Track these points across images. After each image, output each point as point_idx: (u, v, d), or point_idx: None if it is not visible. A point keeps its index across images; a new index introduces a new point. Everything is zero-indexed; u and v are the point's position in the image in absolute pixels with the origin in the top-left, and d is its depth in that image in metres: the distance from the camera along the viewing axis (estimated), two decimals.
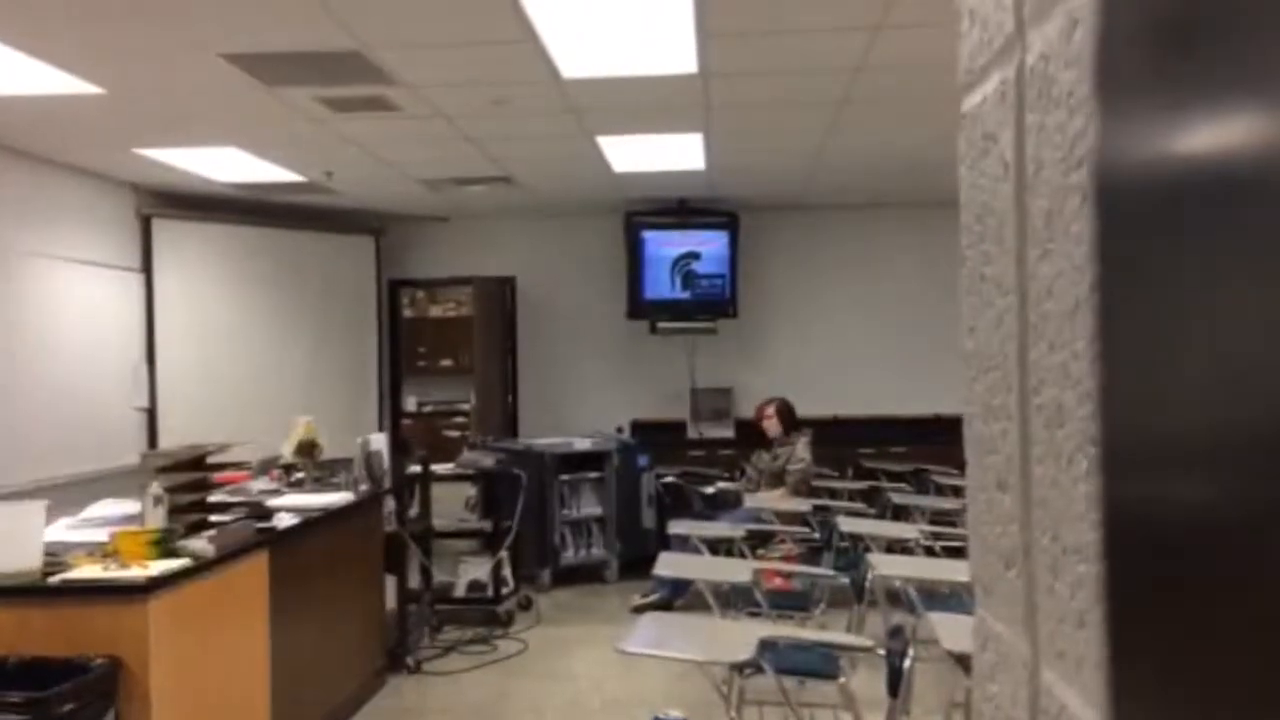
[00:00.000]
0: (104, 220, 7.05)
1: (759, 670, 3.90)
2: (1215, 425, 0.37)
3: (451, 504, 7.06)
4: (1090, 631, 0.47)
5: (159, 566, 3.53)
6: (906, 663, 3.42)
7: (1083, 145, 0.46)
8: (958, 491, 7.21)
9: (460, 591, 6.67)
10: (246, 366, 7.84)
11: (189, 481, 4.08)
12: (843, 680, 4.00)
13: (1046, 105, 0.50)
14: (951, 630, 3.78)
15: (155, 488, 3.89)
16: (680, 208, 8.44)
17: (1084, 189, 0.46)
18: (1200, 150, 0.36)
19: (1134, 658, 0.43)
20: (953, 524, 6.49)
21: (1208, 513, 0.38)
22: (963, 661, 3.91)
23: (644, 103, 5.40)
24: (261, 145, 6.20)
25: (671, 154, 6.62)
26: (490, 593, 6.65)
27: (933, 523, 6.44)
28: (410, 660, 5.74)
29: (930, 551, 5.77)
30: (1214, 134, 0.35)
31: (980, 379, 0.64)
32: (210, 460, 4.31)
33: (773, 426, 7.26)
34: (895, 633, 3.73)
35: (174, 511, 3.91)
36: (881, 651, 3.65)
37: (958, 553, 5.93)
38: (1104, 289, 0.43)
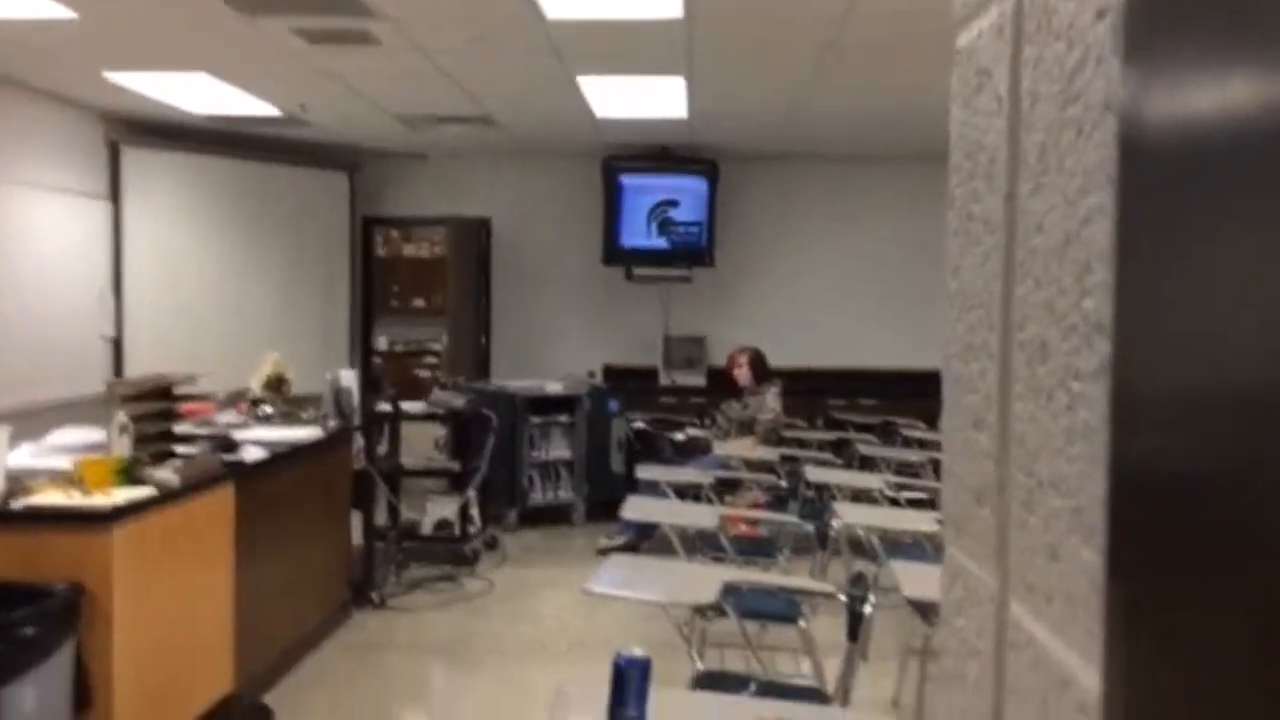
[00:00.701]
0: (72, 147, 6.92)
1: (721, 613, 3.95)
2: (1205, 363, 0.37)
3: (421, 444, 7.05)
4: (1063, 564, 0.48)
5: (123, 495, 3.51)
6: (867, 608, 3.46)
7: (1081, 79, 0.45)
8: (924, 445, 7.29)
9: (427, 530, 6.68)
10: (215, 299, 7.75)
11: (155, 411, 4.04)
12: (803, 625, 4.06)
13: (1046, 38, 0.50)
14: (912, 578, 3.84)
15: (121, 416, 3.86)
16: (660, 153, 8.37)
17: (1081, 123, 0.46)
18: (1229, 95, 0.36)
19: (1109, 591, 0.43)
20: (917, 476, 6.58)
21: (1191, 447, 0.38)
22: (921, 609, 3.98)
23: (627, 46, 5.33)
24: (236, 75, 6.08)
25: (654, 99, 6.55)
26: (457, 532, 6.67)
27: (898, 474, 6.52)
28: (375, 596, 5.77)
29: (894, 503, 5.84)
30: (1245, 78, 0.35)
31: (962, 318, 0.64)
32: (177, 391, 4.27)
33: (743, 375, 7.28)
34: (857, 579, 3.78)
35: (139, 441, 3.88)
36: (843, 597, 3.71)
37: (922, 504, 6.01)
38: (1122, 223, 0.43)
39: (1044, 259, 0.50)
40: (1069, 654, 0.47)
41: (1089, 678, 0.45)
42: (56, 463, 3.79)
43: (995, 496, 0.57)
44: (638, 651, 2.43)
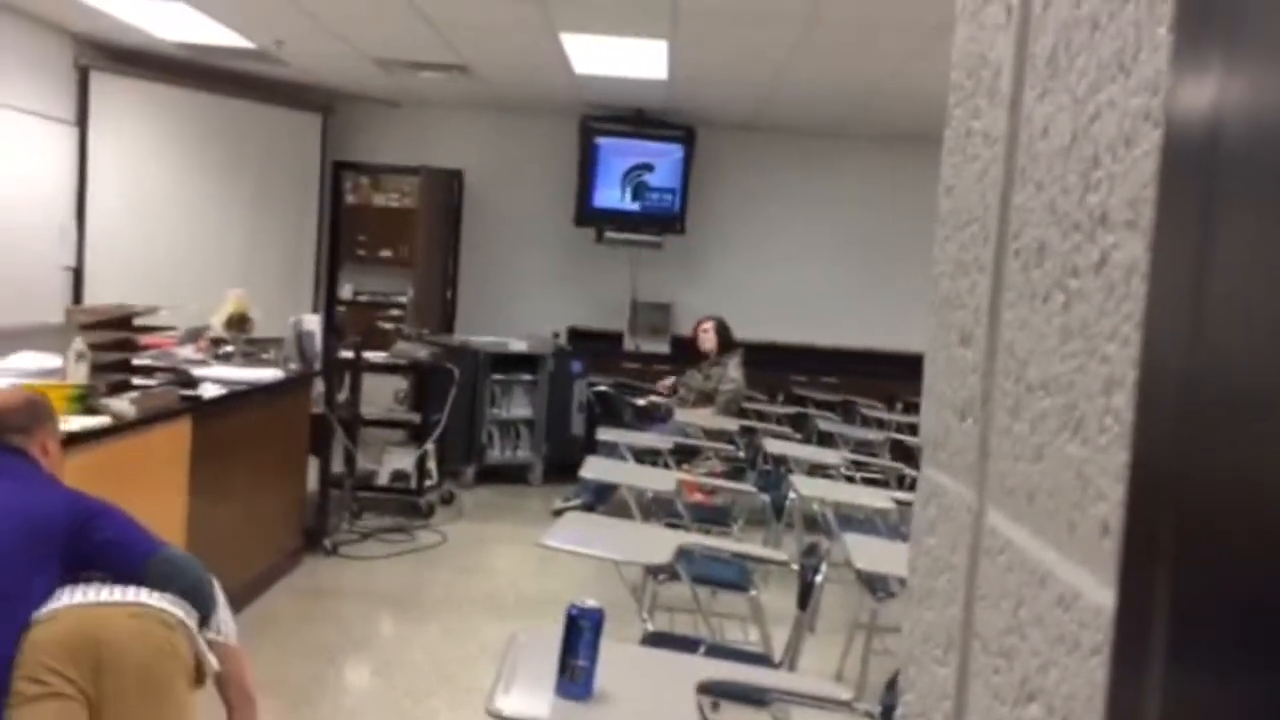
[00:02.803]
0: (39, 68, 6.75)
1: (674, 576, 3.98)
2: (1216, 248, 0.37)
3: (381, 395, 7.02)
4: (1047, 463, 0.48)
5: (78, 422, 3.46)
6: (818, 578, 3.50)
7: None
8: (883, 424, 7.36)
9: (383, 480, 6.66)
10: (180, 234, 7.63)
11: (114, 340, 3.98)
12: (754, 593, 4.10)
13: None
14: (865, 551, 3.89)
15: (79, 343, 3.80)
16: (638, 117, 8.33)
17: (1096, 16, 0.45)
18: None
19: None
20: (875, 455, 6.64)
21: (1186, 342, 0.38)
22: (870, 583, 4.03)
23: (613, 4, 5.28)
24: (210, 3, 5.95)
25: (634, 59, 6.50)
26: (413, 484, 6.66)
27: (856, 452, 6.58)
28: (327, 542, 5.75)
29: (850, 480, 5.89)
30: None
31: (954, 237, 0.64)
32: (137, 322, 4.21)
33: (709, 340, 7.31)
34: (810, 550, 3.82)
35: (97, 369, 3.82)
36: (795, 566, 3.75)
37: (878, 483, 6.08)
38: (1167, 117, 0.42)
39: (1048, 161, 0.50)
40: (1048, 551, 0.47)
41: (1068, 572, 0.45)
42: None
43: (979, 409, 0.57)
44: (591, 603, 2.44)
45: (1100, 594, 0.42)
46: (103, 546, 2.55)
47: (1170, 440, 0.38)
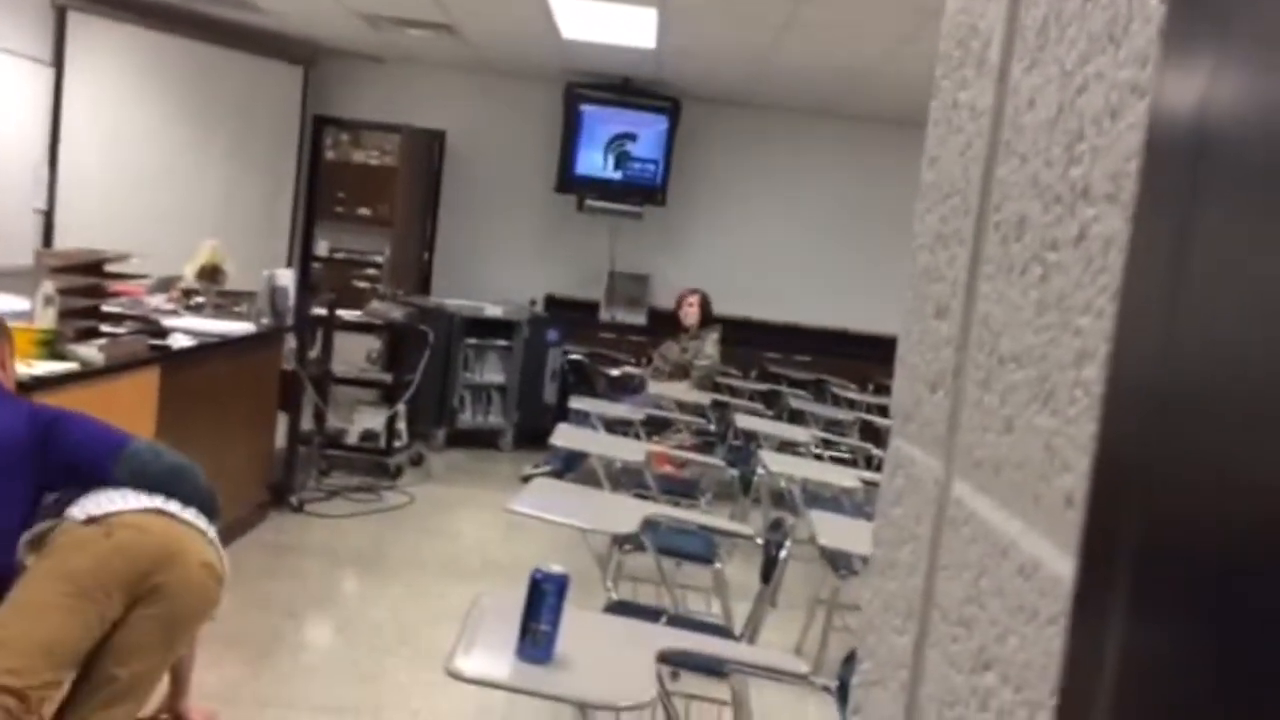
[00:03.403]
0: (16, 5, 6.61)
1: (639, 547, 4.00)
2: (1186, 227, 0.37)
3: (354, 354, 6.97)
4: (1016, 435, 0.48)
5: (44, 367, 3.43)
6: (783, 553, 3.52)
7: None
8: (853, 405, 7.40)
9: (352, 439, 6.64)
10: (155, 181, 7.52)
11: (83, 286, 3.93)
12: (718, 566, 4.12)
13: None
14: (829, 528, 3.92)
15: (48, 287, 3.75)
16: (624, 86, 8.28)
17: None
18: None
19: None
20: (845, 435, 6.68)
21: (1160, 317, 0.38)
22: (834, 560, 4.06)
23: None
24: None
25: (623, 26, 6.45)
26: (383, 444, 6.64)
27: (825, 430, 6.61)
28: (294, 499, 5.73)
29: (819, 458, 5.93)
30: None
31: (935, 209, 0.64)
32: (108, 269, 4.15)
33: (692, 315, 7.32)
34: (776, 525, 3.84)
35: (65, 314, 3.77)
36: (760, 541, 3.77)
37: (846, 463, 6.12)
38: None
39: (1032, 134, 0.50)
40: (1012, 522, 0.47)
41: (1031, 543, 0.45)
42: None
43: (950, 381, 0.57)
44: (556, 568, 2.45)
45: (1061, 564, 0.42)
46: (74, 449, 2.62)
47: (1137, 414, 0.38)
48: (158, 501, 2.64)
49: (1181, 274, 0.37)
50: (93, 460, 2.63)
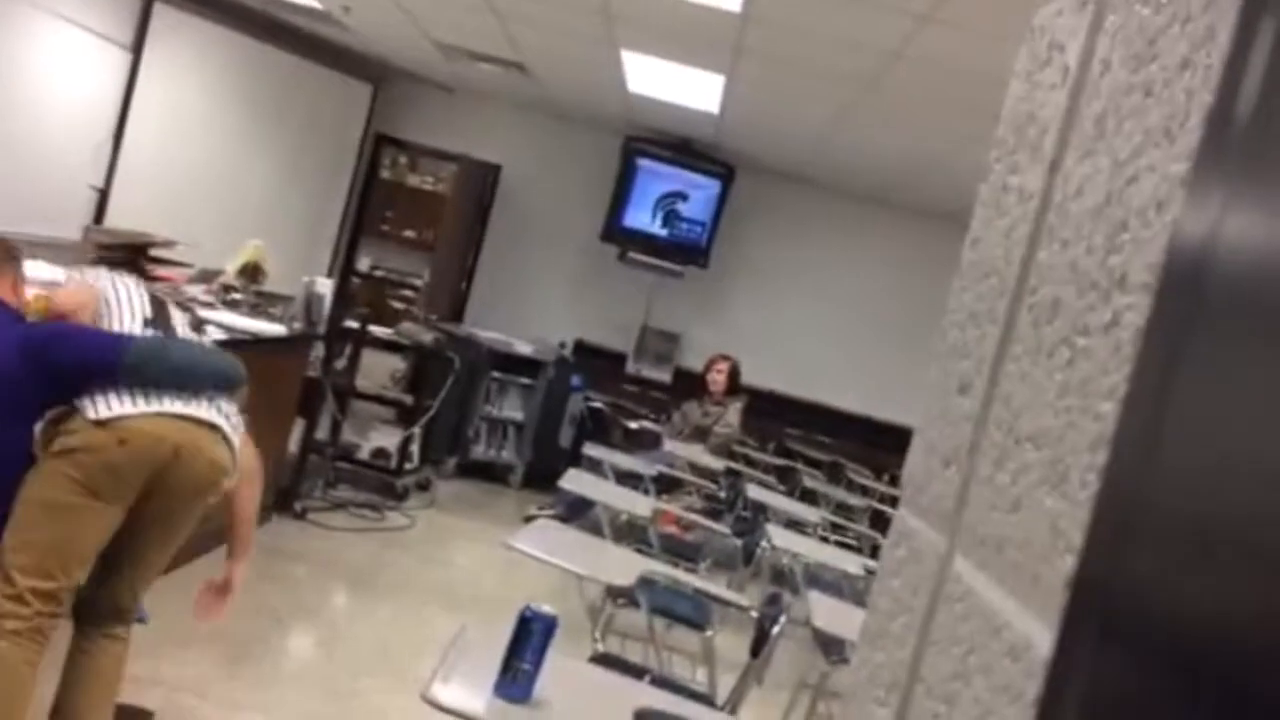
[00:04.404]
0: None
1: (633, 602, 3.96)
2: (1220, 324, 0.37)
3: (379, 372, 7.01)
4: (1024, 514, 0.47)
5: None
6: (776, 629, 3.48)
7: (1164, 39, 0.45)
8: (867, 492, 7.34)
9: (364, 455, 6.65)
10: (211, 174, 7.65)
11: (126, 264, 3.98)
12: (710, 633, 4.07)
13: (1131, 4, 0.49)
14: (826, 611, 3.87)
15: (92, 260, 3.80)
16: (682, 146, 8.37)
17: (1151, 82, 0.46)
18: None
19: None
20: (853, 519, 6.62)
21: (1155, 415, 0.38)
22: (826, 644, 4.01)
23: (678, 27, 5.32)
24: None
25: (689, 88, 6.54)
26: (393, 464, 6.64)
27: (835, 513, 6.56)
28: (298, 506, 5.73)
29: (825, 540, 5.88)
30: None
31: (971, 288, 0.64)
32: (153, 253, 4.22)
33: (719, 381, 7.31)
34: (773, 599, 3.80)
35: None
36: (755, 614, 3.73)
37: (851, 548, 6.05)
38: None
39: (1077, 221, 0.50)
40: (1008, 601, 0.47)
41: (1025, 623, 0.45)
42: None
43: (964, 457, 0.57)
44: (546, 608, 2.43)
45: (1051, 647, 0.41)
46: (74, 367, 2.63)
47: (1130, 502, 0.38)
48: (167, 403, 2.63)
49: (1172, 392, 0.37)
50: (100, 361, 2.63)
